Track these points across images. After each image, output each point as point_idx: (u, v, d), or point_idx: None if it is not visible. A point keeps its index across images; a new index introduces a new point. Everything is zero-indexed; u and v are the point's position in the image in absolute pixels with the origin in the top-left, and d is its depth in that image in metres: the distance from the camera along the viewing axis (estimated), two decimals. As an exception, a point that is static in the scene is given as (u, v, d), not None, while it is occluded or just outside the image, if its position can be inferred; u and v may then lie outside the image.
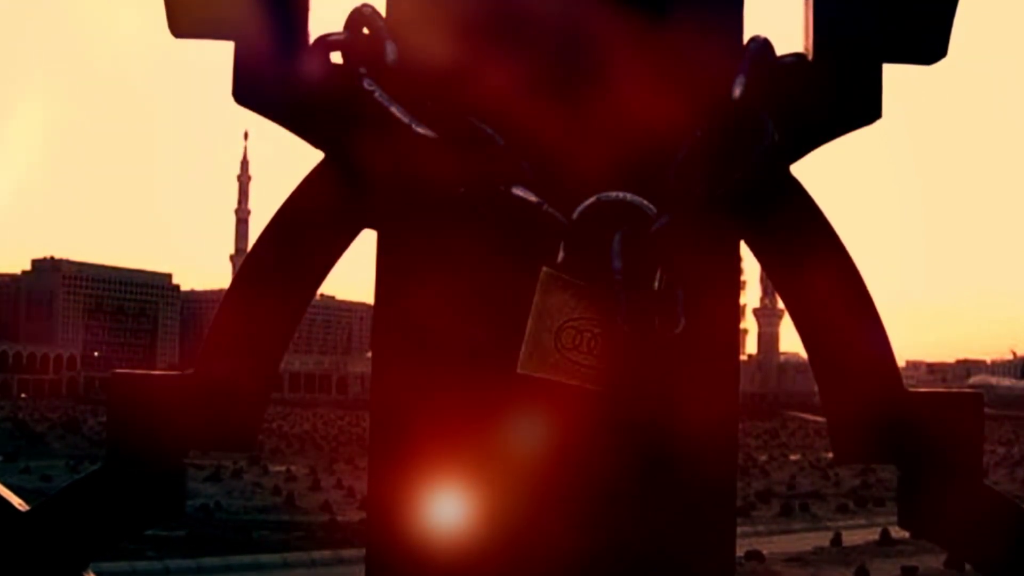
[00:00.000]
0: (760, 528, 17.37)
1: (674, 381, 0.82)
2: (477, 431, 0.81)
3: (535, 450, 0.81)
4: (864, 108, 0.84)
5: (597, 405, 0.80)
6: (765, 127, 0.80)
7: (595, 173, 0.81)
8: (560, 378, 0.80)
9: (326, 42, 0.81)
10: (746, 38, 0.83)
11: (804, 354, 0.86)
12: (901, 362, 0.88)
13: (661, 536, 0.82)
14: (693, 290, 0.80)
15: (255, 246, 0.83)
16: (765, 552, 14.34)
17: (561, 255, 0.80)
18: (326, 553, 13.90)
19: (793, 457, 32.71)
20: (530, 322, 0.79)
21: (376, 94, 0.79)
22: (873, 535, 16.13)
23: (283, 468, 23.96)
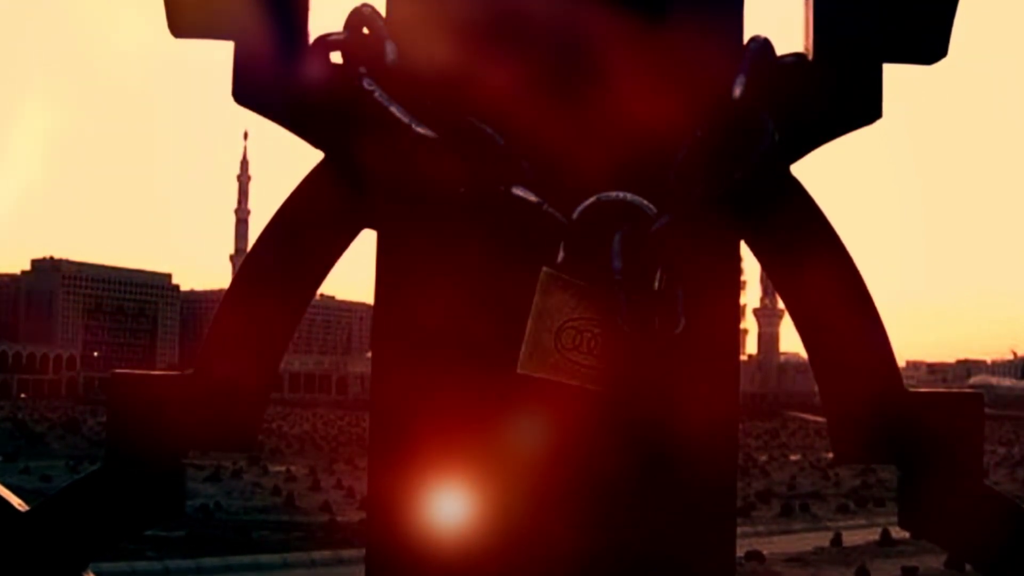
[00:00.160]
0: (760, 528, 17.37)
1: (674, 381, 0.82)
2: (477, 431, 0.81)
3: (535, 450, 0.81)
4: (864, 108, 0.84)
5: (597, 405, 0.80)
6: (765, 127, 0.80)
7: (595, 173, 0.81)
8: (560, 378, 0.80)
9: (326, 42, 0.81)
10: (746, 38, 0.83)
11: (804, 354, 0.86)
12: (901, 362, 0.87)
13: (661, 536, 0.82)
14: (693, 290, 0.79)
15: (255, 246, 0.83)
16: (765, 552, 14.34)
17: (561, 255, 0.80)
18: (326, 553, 13.89)
19: (793, 457, 32.71)
20: (530, 322, 0.79)
21: (376, 94, 0.79)
22: (873, 535, 16.13)
23: (283, 468, 23.96)
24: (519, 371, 0.79)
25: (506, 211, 0.80)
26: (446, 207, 0.82)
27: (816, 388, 0.85)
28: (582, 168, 0.81)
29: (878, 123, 0.85)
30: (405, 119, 0.79)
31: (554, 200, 0.79)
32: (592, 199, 0.79)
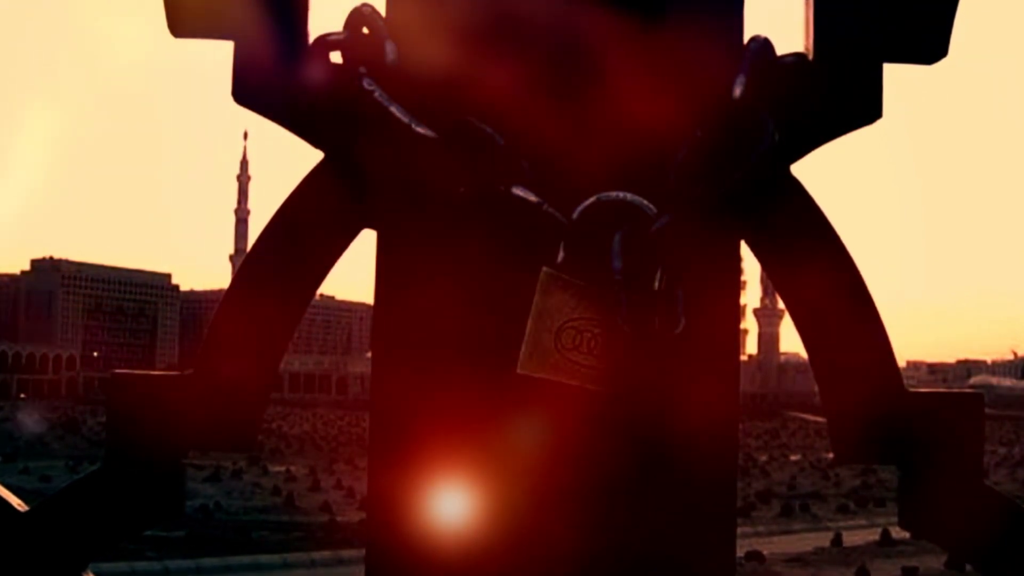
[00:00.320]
0: (760, 528, 17.37)
1: (674, 381, 0.82)
2: (477, 431, 0.81)
3: (535, 450, 0.81)
4: (864, 108, 0.84)
5: (597, 405, 0.80)
6: (765, 127, 0.80)
7: (595, 173, 0.81)
8: (560, 378, 0.80)
9: (326, 42, 0.81)
10: (746, 38, 0.83)
11: (804, 354, 0.86)
12: (901, 362, 0.88)
13: (661, 536, 0.82)
14: (693, 290, 0.79)
15: (255, 246, 0.83)
16: (765, 552, 14.34)
17: (561, 255, 0.80)
18: (326, 554, 13.89)
19: (793, 457, 32.71)
20: (530, 322, 0.79)
21: (376, 94, 0.79)
22: (874, 535, 16.13)
23: (283, 468, 23.96)
24: (519, 371, 0.79)
25: (506, 211, 0.79)
26: (446, 207, 0.81)
27: (816, 388, 0.85)
28: (582, 168, 0.81)
29: (878, 123, 0.85)
30: (405, 119, 0.79)
31: (554, 200, 0.79)
32: (592, 199, 0.79)
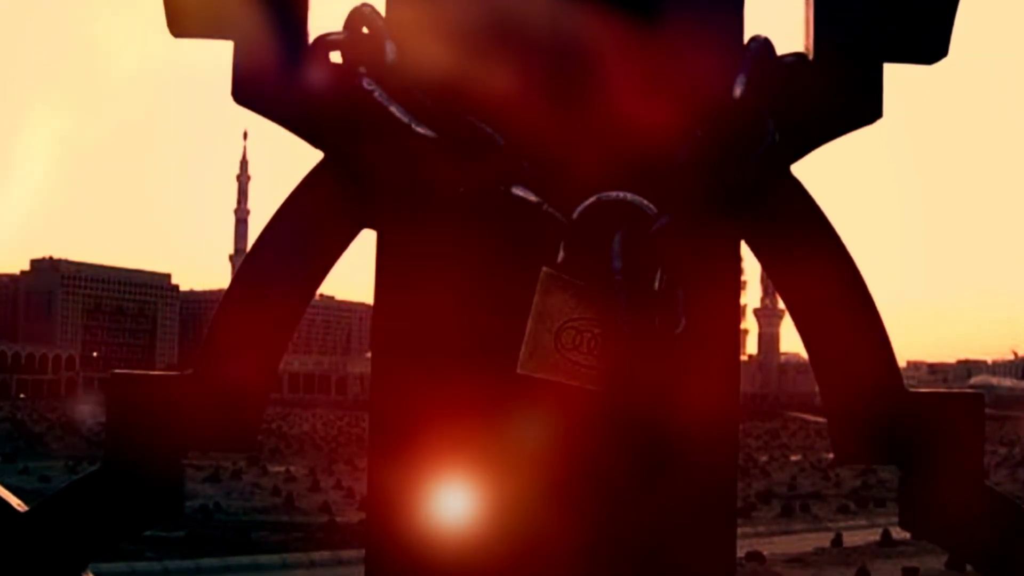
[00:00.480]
0: (761, 529, 17.37)
1: (674, 382, 0.82)
2: (477, 431, 0.81)
3: (535, 451, 0.81)
4: (865, 108, 0.84)
5: (597, 406, 0.80)
6: (766, 127, 0.80)
7: (595, 173, 0.80)
8: (560, 379, 0.79)
9: (326, 42, 0.81)
10: (746, 38, 0.83)
11: (805, 354, 0.86)
12: (902, 362, 0.88)
13: (661, 537, 0.82)
14: (693, 290, 0.79)
15: (254, 246, 0.83)
16: (766, 553, 14.34)
17: (561, 255, 0.80)
18: (325, 554, 13.89)
19: (794, 458, 32.71)
20: (530, 322, 0.79)
21: (376, 94, 0.79)
22: (874, 536, 16.14)
23: (282, 469, 23.96)
24: (519, 371, 0.79)
25: (506, 211, 0.79)
26: (446, 207, 0.81)
27: (817, 388, 0.85)
28: (582, 168, 0.81)
29: (878, 123, 0.85)
30: (405, 119, 0.79)
31: (554, 200, 0.79)
32: (592, 199, 0.79)
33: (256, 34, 0.82)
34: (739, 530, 0.87)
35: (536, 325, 0.79)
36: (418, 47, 0.82)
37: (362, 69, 0.80)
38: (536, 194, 0.79)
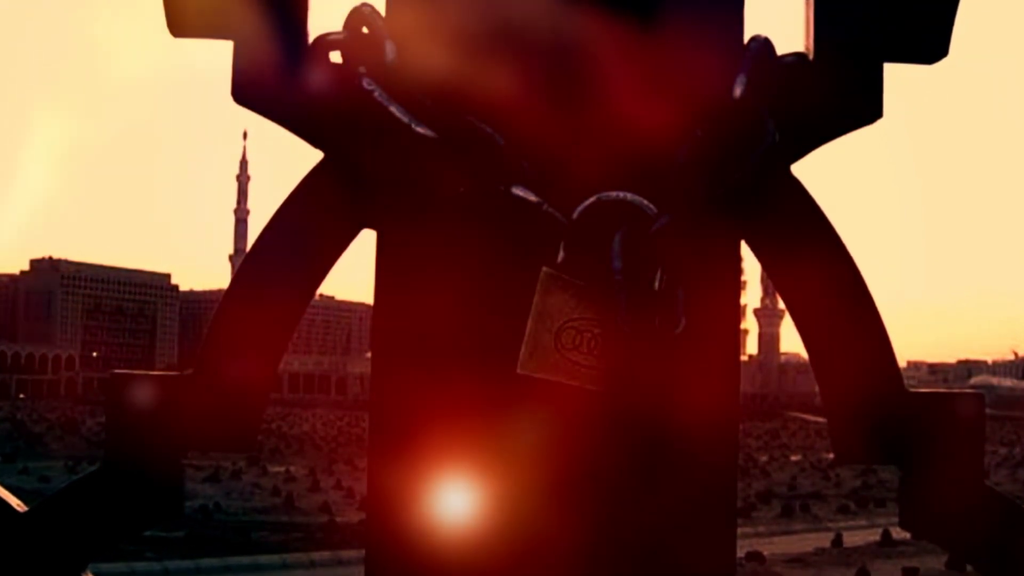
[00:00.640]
0: (761, 529, 17.36)
1: (674, 382, 0.82)
2: (477, 431, 0.81)
3: (535, 451, 0.81)
4: (865, 108, 0.84)
5: (597, 406, 0.80)
6: (766, 127, 0.80)
7: (595, 173, 0.80)
8: (560, 379, 0.79)
9: (325, 41, 0.81)
10: (746, 38, 0.83)
11: (805, 354, 0.86)
12: (902, 362, 0.87)
13: (662, 537, 0.82)
14: (693, 290, 0.79)
15: (254, 246, 0.83)
16: (766, 553, 14.33)
17: (561, 255, 0.80)
18: (325, 554, 13.89)
19: (794, 458, 32.71)
20: (530, 322, 0.79)
21: (375, 93, 0.79)
22: (874, 536, 16.13)
23: (282, 469, 23.95)
24: (519, 371, 0.79)
25: (506, 211, 0.79)
26: (446, 207, 0.81)
27: (817, 388, 0.85)
28: (582, 168, 0.81)
29: (878, 123, 0.85)
30: (405, 119, 0.79)
31: (554, 200, 0.79)
32: (592, 199, 0.79)
33: (256, 34, 0.82)
34: (739, 530, 0.87)
35: (536, 325, 0.79)
36: (418, 47, 0.82)
37: (362, 69, 0.80)
38: (536, 194, 0.79)
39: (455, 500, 0.81)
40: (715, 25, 0.84)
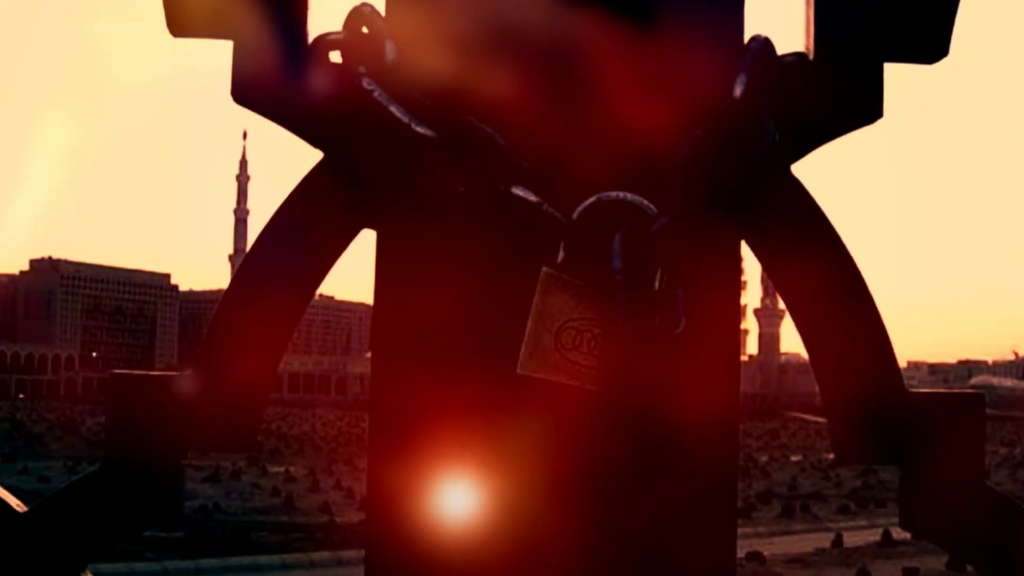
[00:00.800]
0: (761, 529, 17.36)
1: (674, 382, 0.82)
2: (477, 432, 0.81)
3: (535, 451, 0.81)
4: (865, 107, 0.84)
5: (597, 406, 0.80)
6: (766, 127, 0.80)
7: (595, 173, 0.80)
8: (560, 379, 0.79)
9: (325, 41, 0.81)
10: (746, 38, 0.83)
11: (805, 354, 0.86)
12: (902, 363, 0.87)
13: (662, 537, 0.82)
14: (693, 290, 0.79)
15: (254, 246, 0.83)
16: (766, 553, 14.33)
17: (561, 255, 0.80)
18: (325, 554, 13.89)
19: (794, 458, 32.70)
20: (530, 322, 0.79)
21: (375, 93, 0.79)
22: (874, 536, 16.13)
23: (282, 469, 23.95)
24: (519, 371, 0.79)
25: (506, 211, 0.79)
26: (446, 207, 0.81)
27: (817, 388, 0.85)
28: (582, 168, 0.81)
29: (878, 123, 0.85)
30: (404, 119, 0.79)
31: (554, 200, 0.79)
32: (592, 199, 0.79)
33: (256, 34, 0.82)
34: (739, 530, 0.87)
35: (536, 325, 0.79)
36: (418, 47, 0.81)
37: (362, 69, 0.80)
38: (536, 194, 0.79)
39: (455, 500, 0.81)
40: (715, 25, 0.84)
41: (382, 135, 0.80)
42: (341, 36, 0.80)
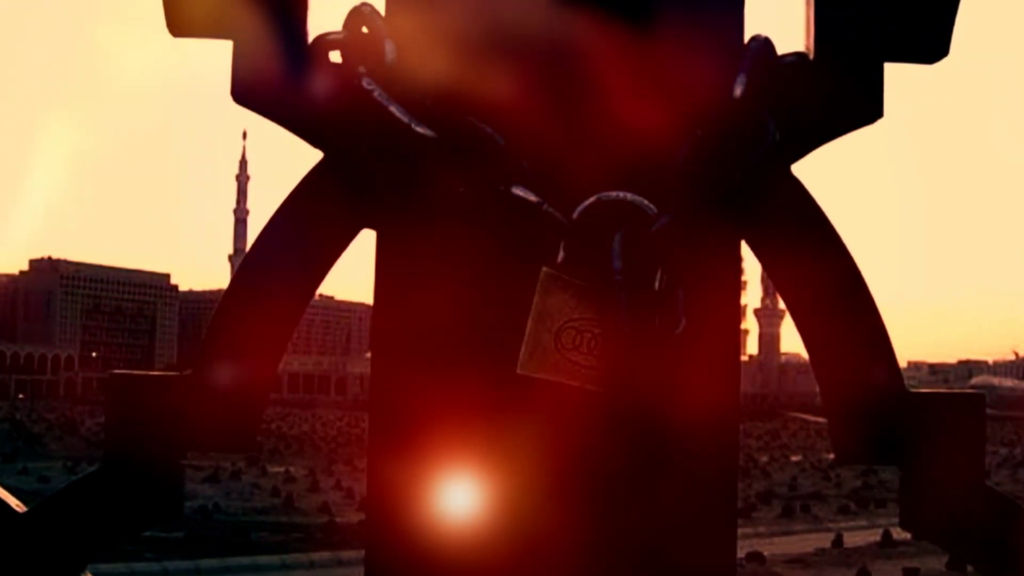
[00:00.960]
0: (761, 529, 17.36)
1: (674, 382, 0.82)
2: (476, 432, 0.81)
3: (535, 451, 0.81)
4: (865, 107, 0.84)
5: (597, 406, 0.80)
6: (766, 127, 0.80)
7: (595, 173, 0.80)
8: (560, 379, 0.79)
9: (325, 41, 0.81)
10: (747, 37, 0.83)
11: (805, 354, 0.85)
12: (903, 363, 0.87)
13: (662, 537, 0.82)
14: (693, 290, 0.79)
15: (254, 246, 0.83)
16: (766, 553, 14.33)
17: (561, 255, 0.80)
18: (325, 555, 13.88)
19: (794, 458, 32.69)
20: (530, 322, 0.79)
21: (375, 93, 0.79)
22: (875, 536, 16.12)
23: (282, 469, 23.94)
24: (519, 371, 0.79)
25: (506, 211, 0.79)
26: (446, 207, 0.81)
27: (817, 389, 0.85)
28: (582, 168, 0.81)
29: (878, 123, 0.85)
30: (405, 119, 0.79)
31: (554, 200, 0.79)
32: (592, 199, 0.79)
33: (256, 34, 0.82)
34: (739, 531, 0.87)
35: (536, 325, 0.79)
36: (418, 47, 0.81)
37: (362, 69, 0.80)
38: (536, 194, 0.79)
39: (455, 500, 0.81)
40: (715, 25, 0.84)
41: (382, 135, 0.80)
42: (341, 36, 0.80)
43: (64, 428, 37.53)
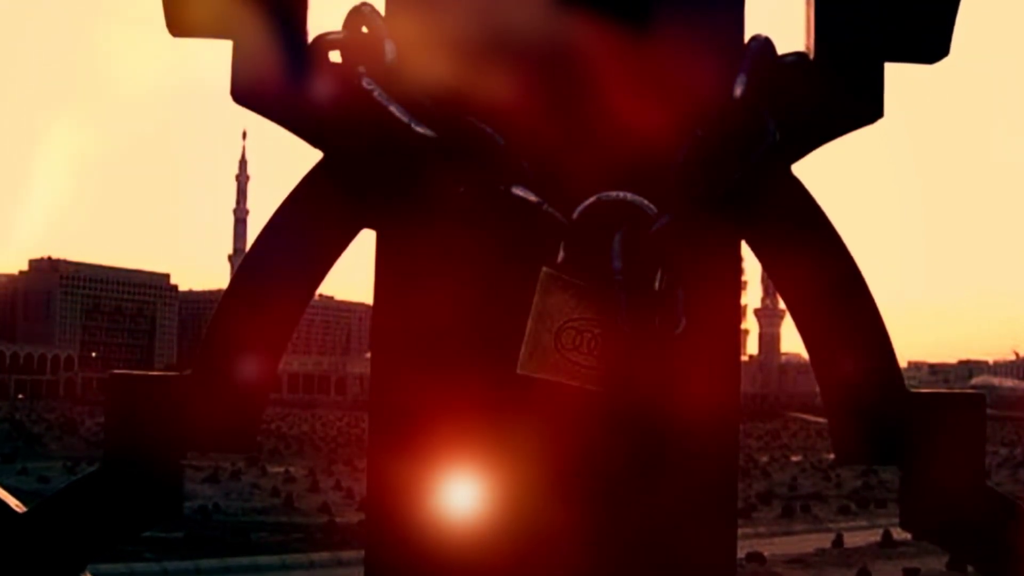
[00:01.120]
0: (761, 529, 17.36)
1: (675, 382, 0.82)
2: (476, 432, 0.81)
3: (535, 452, 0.81)
4: (866, 107, 0.84)
5: (597, 406, 0.80)
6: (766, 126, 0.80)
7: (595, 173, 0.80)
8: (560, 379, 0.79)
9: (325, 41, 0.81)
10: (747, 37, 0.83)
11: (805, 354, 0.85)
12: (903, 363, 0.87)
13: (662, 537, 0.82)
14: (693, 290, 0.79)
15: (254, 246, 0.83)
16: (766, 554, 14.33)
17: (561, 255, 0.80)
18: (325, 555, 13.88)
19: (794, 458, 32.69)
20: (530, 322, 0.79)
21: (375, 93, 0.79)
22: (875, 537, 16.12)
23: (281, 469, 23.94)
24: (519, 371, 0.79)
25: (506, 211, 0.79)
26: (446, 207, 0.81)
27: (817, 389, 0.85)
28: (582, 168, 0.81)
29: (878, 123, 0.85)
30: (404, 119, 0.79)
31: (554, 200, 0.79)
32: (592, 199, 0.79)
33: (255, 34, 0.82)
34: (740, 531, 0.87)
35: (536, 325, 0.79)
36: (418, 47, 0.81)
37: (361, 69, 0.80)
38: (536, 194, 0.79)
39: (455, 501, 0.81)
40: (715, 25, 0.84)
41: (382, 135, 0.80)
42: (341, 36, 0.80)
43: (64, 428, 37.52)
